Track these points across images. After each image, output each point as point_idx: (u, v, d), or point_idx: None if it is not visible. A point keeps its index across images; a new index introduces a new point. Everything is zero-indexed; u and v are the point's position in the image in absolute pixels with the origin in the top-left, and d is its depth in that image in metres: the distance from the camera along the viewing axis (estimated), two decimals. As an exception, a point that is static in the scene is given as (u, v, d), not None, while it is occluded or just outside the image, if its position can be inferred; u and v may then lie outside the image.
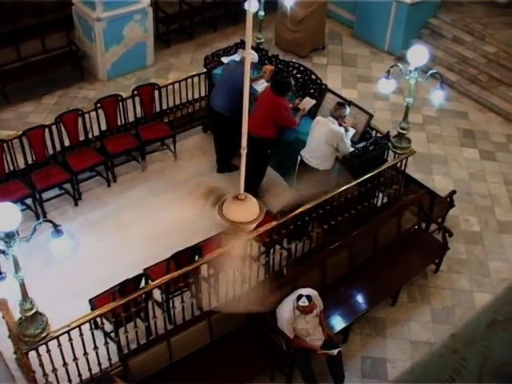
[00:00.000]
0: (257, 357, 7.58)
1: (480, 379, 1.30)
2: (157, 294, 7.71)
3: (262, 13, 11.04)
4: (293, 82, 9.32)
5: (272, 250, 8.45)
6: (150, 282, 7.67)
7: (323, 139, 8.57)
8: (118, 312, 7.19)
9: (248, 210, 5.78)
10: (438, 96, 9.19)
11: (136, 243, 8.99)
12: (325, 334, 7.66)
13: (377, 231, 8.88)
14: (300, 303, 7.37)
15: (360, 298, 8.49)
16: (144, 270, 7.95)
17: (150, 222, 9.24)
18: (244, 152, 5.60)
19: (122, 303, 7.11)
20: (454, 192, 9.89)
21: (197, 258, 7.82)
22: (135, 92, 10.39)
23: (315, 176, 8.67)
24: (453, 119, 12.53)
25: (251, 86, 9.32)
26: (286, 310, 7.52)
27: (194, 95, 11.05)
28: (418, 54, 8.68)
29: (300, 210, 8.19)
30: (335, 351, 7.51)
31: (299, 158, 8.92)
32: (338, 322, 8.09)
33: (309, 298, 7.37)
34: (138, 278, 7.56)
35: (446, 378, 1.30)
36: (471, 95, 13.22)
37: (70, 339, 6.81)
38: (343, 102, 8.95)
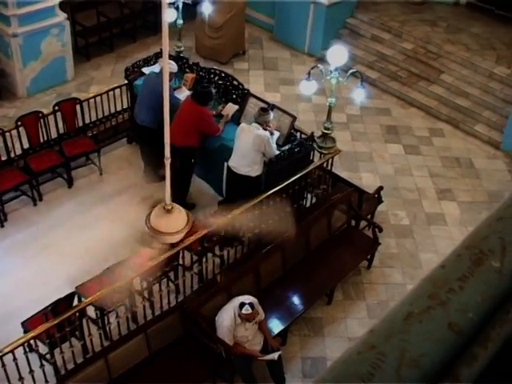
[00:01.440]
0: (197, 366, 7.53)
1: (398, 372, 1.31)
2: (91, 311, 7.60)
3: (180, 21, 11.02)
4: (214, 91, 9.35)
5: (204, 258, 8.42)
6: (83, 299, 7.56)
7: (250, 146, 8.59)
8: (52, 333, 7.04)
9: (175, 220, 5.77)
10: (359, 94, 9.34)
11: (67, 261, 8.83)
12: (270, 345, 7.66)
13: (308, 232, 8.94)
14: (243, 311, 7.35)
15: (296, 300, 8.53)
16: (76, 287, 7.83)
17: (80, 239, 9.10)
18: (168, 162, 5.58)
19: (55, 323, 6.98)
20: (381, 188, 10.02)
21: (128, 272, 7.75)
22: (56, 107, 10.22)
23: (244, 183, 8.71)
24: (376, 116, 12.72)
25: (173, 96, 9.30)
26: (226, 318, 7.48)
27: (116, 107, 10.94)
28: (338, 54, 8.81)
29: (230, 216, 8.20)
30: (276, 355, 7.52)
31: (226, 166, 8.92)
32: (276, 325, 8.10)
33: (251, 305, 7.36)
34: (70, 297, 7.45)
35: (365, 373, 1.31)
36: (392, 92, 13.45)
37: (4, 365, 6.66)
38: (266, 108, 8.99)
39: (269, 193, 8.62)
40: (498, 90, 12.75)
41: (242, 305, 7.36)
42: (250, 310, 7.34)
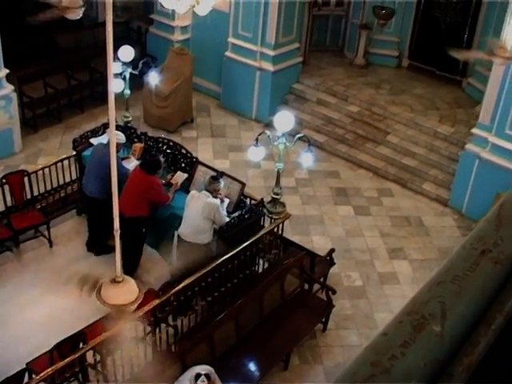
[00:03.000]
0: None
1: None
2: (42, 388, 7.40)
3: (127, 91, 11.09)
4: (162, 160, 9.36)
5: (158, 329, 8.30)
6: (34, 376, 7.37)
7: (200, 213, 8.60)
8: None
9: (127, 291, 5.69)
10: (307, 158, 9.44)
11: (16, 337, 8.62)
12: None
13: (261, 297, 8.89)
14: (199, 382, 7.20)
15: (252, 367, 8.42)
16: (27, 364, 7.63)
17: (30, 314, 8.92)
18: (117, 234, 5.53)
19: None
20: (333, 250, 10.07)
21: (81, 345, 7.60)
22: (3, 180, 10.13)
23: (194, 251, 8.68)
24: (325, 179, 12.85)
25: (122, 166, 9.29)
26: (182, 391, 7.34)
27: (65, 179, 10.87)
28: (285, 120, 8.93)
29: (182, 285, 8.14)
30: None
31: (176, 235, 8.89)
32: (232, 394, 7.98)
33: (207, 376, 7.21)
34: (20, 374, 7.25)
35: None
36: (340, 154, 13.64)
37: None
38: (217, 176, 9.03)
39: (220, 260, 8.61)
40: (443, 148, 13.04)
41: (197, 376, 7.22)
42: (206, 382, 7.20)
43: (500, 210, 1.80)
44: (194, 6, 10.80)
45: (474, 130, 11.88)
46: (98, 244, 10.08)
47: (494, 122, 11.37)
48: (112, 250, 9.17)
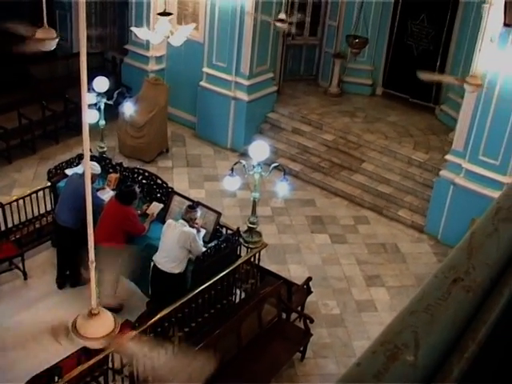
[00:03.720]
0: None
1: None
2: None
3: (102, 122, 11.08)
4: (138, 190, 9.34)
5: (135, 360, 8.22)
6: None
7: (176, 242, 8.57)
8: None
9: (103, 323, 5.64)
10: (282, 187, 9.47)
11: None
12: None
13: (239, 328, 8.83)
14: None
15: (230, 398, 8.36)
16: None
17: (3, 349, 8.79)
18: (93, 266, 5.49)
19: None
20: (310, 279, 10.06)
21: (56, 379, 7.50)
22: (-24, 220, 10.06)
23: (170, 280, 8.64)
24: (301, 208, 12.88)
25: (97, 197, 9.25)
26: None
27: (39, 210, 10.79)
28: (260, 149, 8.96)
29: (158, 315, 8.08)
30: None
31: (152, 263, 8.85)
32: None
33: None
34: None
35: None
36: (316, 182, 13.69)
37: None
38: (194, 205, 9.03)
39: (197, 290, 8.57)
40: (418, 174, 13.14)
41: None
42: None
43: (471, 238, 1.80)
44: (168, 37, 10.91)
45: (448, 157, 12.00)
46: (72, 276, 10.00)
47: (468, 148, 11.50)
48: (86, 282, 9.17)
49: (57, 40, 8.22)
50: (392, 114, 15.27)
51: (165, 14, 10.78)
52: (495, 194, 10.37)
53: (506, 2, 10.17)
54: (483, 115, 11.13)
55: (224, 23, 13.86)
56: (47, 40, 7.83)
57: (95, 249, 5.49)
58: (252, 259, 9.50)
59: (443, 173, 12.07)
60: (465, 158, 11.58)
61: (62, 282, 10.12)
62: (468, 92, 10.51)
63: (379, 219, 12.78)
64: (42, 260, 10.75)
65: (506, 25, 10.38)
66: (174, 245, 8.59)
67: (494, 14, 10.49)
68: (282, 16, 12.67)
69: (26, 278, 10.26)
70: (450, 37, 14.73)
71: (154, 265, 8.82)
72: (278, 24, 12.68)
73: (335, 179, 13.65)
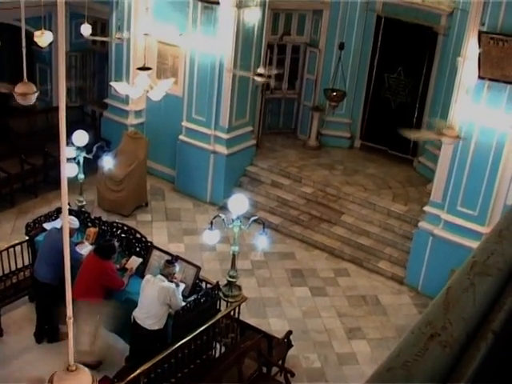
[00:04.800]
0: None
1: None
2: None
3: (81, 176, 11.04)
4: (117, 244, 9.31)
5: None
6: None
7: (155, 298, 8.51)
8: None
9: (80, 380, 5.55)
10: (262, 241, 9.48)
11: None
12: None
13: (219, 382, 8.74)
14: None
15: None
16: None
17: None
18: (70, 322, 5.42)
19: None
20: (290, 332, 9.99)
21: None
22: (-47, 268, 9.94)
23: (150, 337, 8.55)
24: (281, 261, 12.85)
25: (75, 251, 9.20)
26: None
27: (17, 265, 10.66)
28: (239, 203, 8.98)
29: (138, 371, 7.97)
30: None
31: (132, 318, 8.77)
32: None
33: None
34: None
35: None
36: (295, 235, 13.69)
37: None
38: (172, 260, 9.00)
39: (176, 345, 8.48)
40: (397, 226, 13.20)
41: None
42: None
43: (447, 293, 1.80)
44: (147, 91, 10.98)
45: (427, 208, 12.08)
46: (50, 331, 9.88)
47: (446, 200, 11.59)
48: (65, 337, 9.05)
49: (36, 94, 8.24)
50: (371, 167, 15.39)
51: (144, 68, 10.88)
52: (474, 245, 10.43)
53: (479, 55, 10.37)
54: (460, 166, 11.25)
55: (203, 77, 13.99)
56: (27, 94, 7.84)
57: (73, 304, 5.43)
58: (232, 313, 9.44)
59: (422, 224, 12.14)
60: (443, 209, 11.66)
61: (40, 337, 9.98)
62: (445, 144, 10.65)
63: (359, 271, 12.77)
64: (19, 315, 10.59)
65: (480, 77, 10.58)
66: (154, 301, 8.52)
67: (468, 67, 10.69)
68: (261, 70, 12.80)
69: (1, 335, 10.09)
70: (426, 89, 14.95)
71: (134, 321, 8.74)
72: (257, 78, 12.82)
73: (315, 232, 13.66)
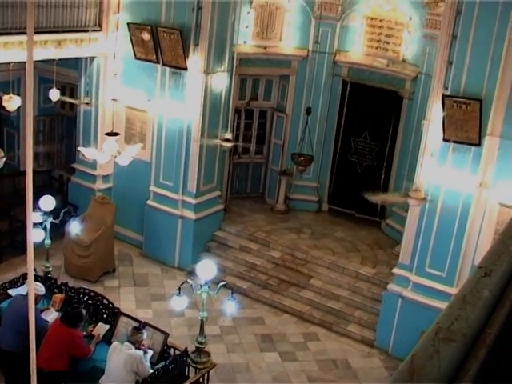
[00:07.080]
0: None
1: None
2: None
3: (48, 241, 10.94)
4: (84, 312, 9.19)
5: None
6: None
7: (122, 365, 8.39)
8: None
9: None
10: (230, 306, 9.46)
11: None
12: None
13: None
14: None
15: None
16: None
17: None
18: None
19: None
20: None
21: None
22: None
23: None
24: (250, 326, 12.74)
25: (41, 318, 9.06)
26: None
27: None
28: (207, 268, 8.98)
29: None
30: None
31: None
32: None
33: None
34: None
35: None
36: (264, 300, 13.61)
37: None
38: (139, 327, 8.91)
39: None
40: (366, 289, 13.21)
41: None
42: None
43: (412, 360, 1.80)
44: (115, 156, 10.99)
45: (395, 270, 12.13)
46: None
47: (414, 261, 11.67)
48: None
49: (4, 159, 8.22)
50: (338, 230, 15.47)
51: (112, 134, 10.92)
52: (443, 305, 10.38)
53: (444, 118, 10.57)
54: (428, 228, 11.35)
55: (171, 143, 14.06)
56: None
57: (38, 373, 5.33)
58: (201, 380, 9.32)
59: (391, 286, 12.17)
60: (412, 270, 11.71)
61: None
62: (412, 206, 10.76)
63: (329, 335, 12.69)
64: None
65: (445, 140, 10.77)
66: (121, 369, 8.39)
67: (433, 130, 10.89)
68: (228, 135, 12.93)
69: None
70: (392, 152, 15.17)
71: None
72: (224, 143, 12.93)
73: (284, 296, 13.60)
